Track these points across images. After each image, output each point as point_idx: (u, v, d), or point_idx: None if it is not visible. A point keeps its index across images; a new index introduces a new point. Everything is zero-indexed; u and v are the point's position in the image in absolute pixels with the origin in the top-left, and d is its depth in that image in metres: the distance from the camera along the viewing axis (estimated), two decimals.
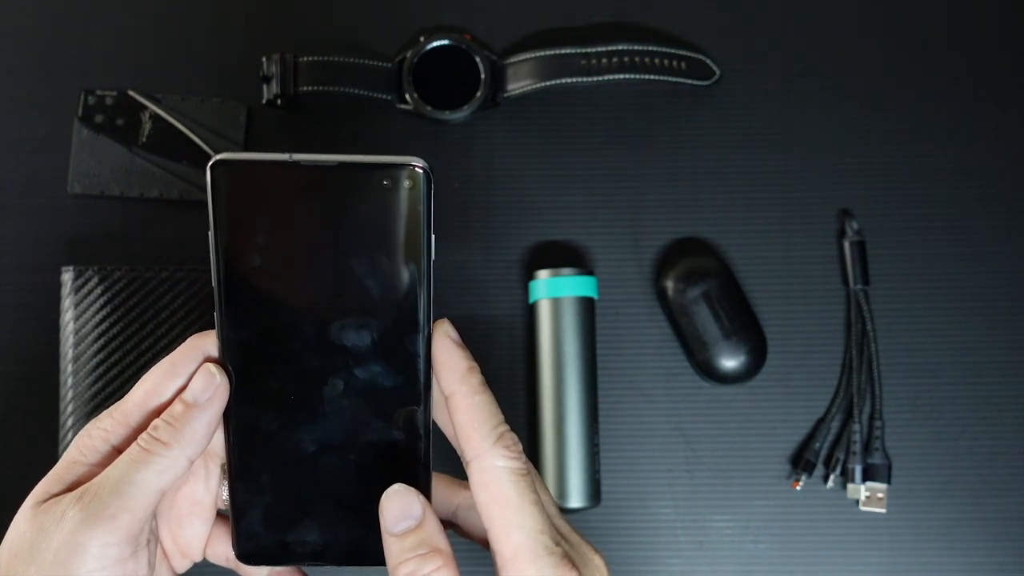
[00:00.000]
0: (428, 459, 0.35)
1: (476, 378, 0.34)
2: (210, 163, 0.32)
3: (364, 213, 0.32)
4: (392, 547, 0.33)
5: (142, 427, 0.33)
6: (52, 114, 0.54)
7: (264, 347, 0.34)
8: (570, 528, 0.35)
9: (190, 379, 0.34)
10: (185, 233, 0.53)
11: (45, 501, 0.32)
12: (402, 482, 0.34)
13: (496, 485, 0.32)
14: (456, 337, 0.34)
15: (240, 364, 0.34)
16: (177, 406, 0.33)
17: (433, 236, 0.33)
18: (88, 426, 0.34)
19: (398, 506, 0.33)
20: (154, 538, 0.34)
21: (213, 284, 0.33)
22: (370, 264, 0.33)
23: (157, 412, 0.34)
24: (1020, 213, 0.54)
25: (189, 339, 0.34)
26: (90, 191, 0.53)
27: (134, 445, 0.33)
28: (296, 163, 0.32)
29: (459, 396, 0.33)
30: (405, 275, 0.33)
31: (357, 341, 0.34)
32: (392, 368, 0.34)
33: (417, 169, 0.32)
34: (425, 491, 0.35)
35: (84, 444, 0.34)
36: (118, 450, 0.33)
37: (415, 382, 0.34)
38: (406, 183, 0.32)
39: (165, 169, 0.53)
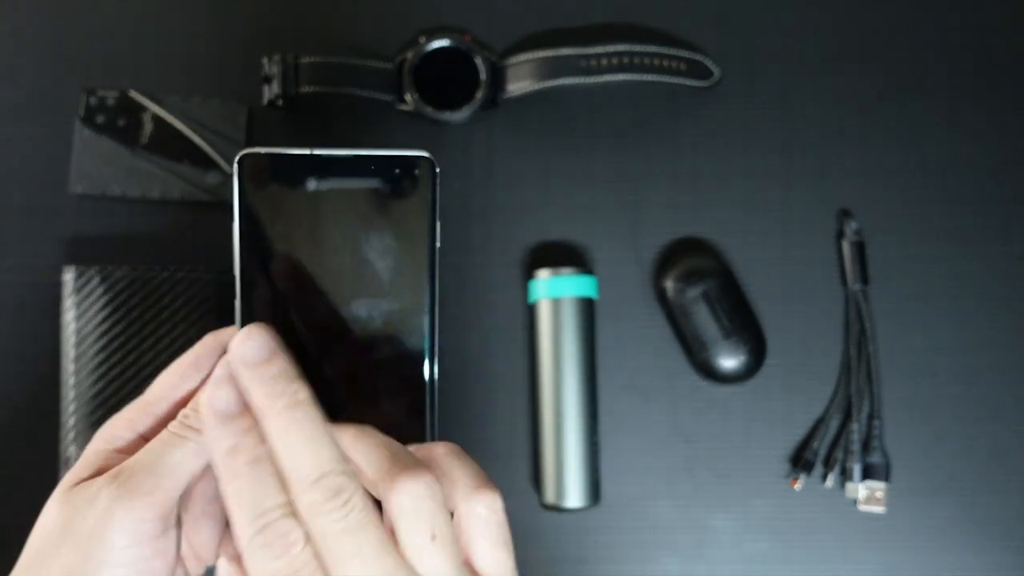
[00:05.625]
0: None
1: (241, 457, 0.30)
2: (238, 157, 0.35)
3: (377, 201, 0.35)
4: None
5: (166, 416, 0.35)
6: (53, 115, 0.54)
7: (281, 331, 0.35)
8: None
9: (212, 371, 0.35)
10: (186, 233, 0.54)
11: (76, 485, 0.33)
12: None
13: None
14: (223, 407, 0.31)
15: None
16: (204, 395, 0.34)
17: (438, 222, 0.36)
18: (112, 418, 0.35)
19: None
20: (179, 524, 0.35)
21: (235, 273, 0.35)
22: (382, 248, 0.35)
23: (181, 403, 0.35)
24: (1020, 213, 0.54)
25: (208, 335, 0.36)
26: (91, 191, 0.53)
27: (165, 431, 0.34)
28: (315, 156, 0.35)
29: (219, 479, 0.31)
30: (413, 258, 0.36)
31: (368, 324, 0.36)
32: (401, 349, 0.36)
33: (425, 160, 0.35)
34: None
35: (109, 433, 0.35)
36: (143, 438, 0.35)
37: (421, 362, 0.36)
38: (415, 172, 0.35)
39: (166, 170, 0.53)
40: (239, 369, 0.32)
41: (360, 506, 0.29)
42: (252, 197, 0.35)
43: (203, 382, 0.35)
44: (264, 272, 0.35)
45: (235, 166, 0.35)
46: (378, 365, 0.36)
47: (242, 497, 0.30)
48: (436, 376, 0.36)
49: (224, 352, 0.35)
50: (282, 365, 0.32)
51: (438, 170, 0.35)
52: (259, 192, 0.35)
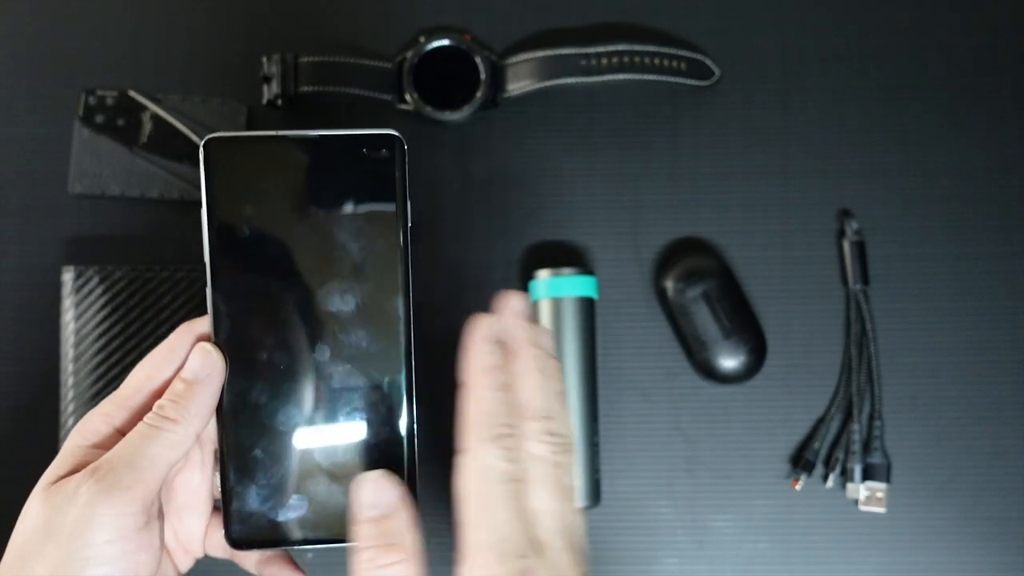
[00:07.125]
0: (412, 428, 0.36)
1: (494, 379, 0.34)
2: (203, 141, 0.35)
3: (345, 180, 0.35)
4: (359, 531, 0.33)
5: (143, 408, 0.35)
6: (53, 114, 0.54)
7: (254, 316, 0.35)
8: (563, 544, 0.34)
9: (185, 361, 0.35)
10: (185, 233, 0.53)
11: (55, 483, 0.33)
12: (386, 450, 0.35)
13: (474, 481, 0.33)
14: (489, 333, 0.35)
15: (232, 337, 0.35)
16: (178, 384, 0.34)
17: (409, 201, 0.35)
18: (89, 413, 0.35)
19: (369, 493, 0.34)
20: (161, 516, 0.35)
21: (205, 260, 0.35)
22: (352, 228, 0.35)
23: (156, 394, 0.35)
24: (1020, 213, 0.54)
25: (181, 326, 0.36)
26: (90, 191, 0.53)
27: (141, 424, 0.34)
28: (283, 138, 0.35)
29: (469, 388, 0.34)
30: (385, 238, 0.35)
31: (342, 306, 0.35)
32: (375, 332, 0.35)
33: (393, 138, 0.35)
34: (409, 462, 0.36)
35: (86, 428, 0.35)
36: (120, 432, 0.35)
37: (397, 346, 0.36)
38: (383, 151, 0.35)
39: (165, 169, 0.53)
40: (510, 314, 0.36)
41: (569, 450, 0.35)
42: (220, 182, 0.35)
43: (177, 372, 0.35)
44: (235, 258, 0.35)
45: (200, 151, 0.34)
46: (353, 348, 0.35)
47: (485, 405, 0.34)
48: (413, 356, 0.36)
49: (198, 340, 0.35)
50: (538, 325, 0.38)
51: (406, 148, 0.35)
52: (227, 177, 0.35)
